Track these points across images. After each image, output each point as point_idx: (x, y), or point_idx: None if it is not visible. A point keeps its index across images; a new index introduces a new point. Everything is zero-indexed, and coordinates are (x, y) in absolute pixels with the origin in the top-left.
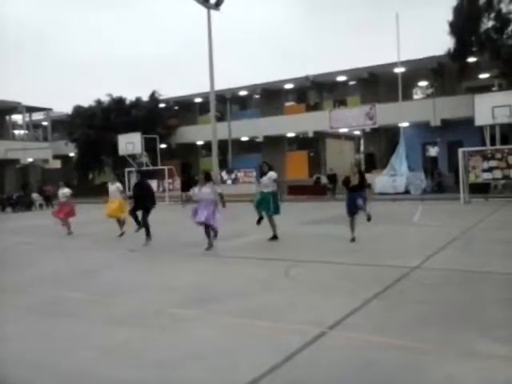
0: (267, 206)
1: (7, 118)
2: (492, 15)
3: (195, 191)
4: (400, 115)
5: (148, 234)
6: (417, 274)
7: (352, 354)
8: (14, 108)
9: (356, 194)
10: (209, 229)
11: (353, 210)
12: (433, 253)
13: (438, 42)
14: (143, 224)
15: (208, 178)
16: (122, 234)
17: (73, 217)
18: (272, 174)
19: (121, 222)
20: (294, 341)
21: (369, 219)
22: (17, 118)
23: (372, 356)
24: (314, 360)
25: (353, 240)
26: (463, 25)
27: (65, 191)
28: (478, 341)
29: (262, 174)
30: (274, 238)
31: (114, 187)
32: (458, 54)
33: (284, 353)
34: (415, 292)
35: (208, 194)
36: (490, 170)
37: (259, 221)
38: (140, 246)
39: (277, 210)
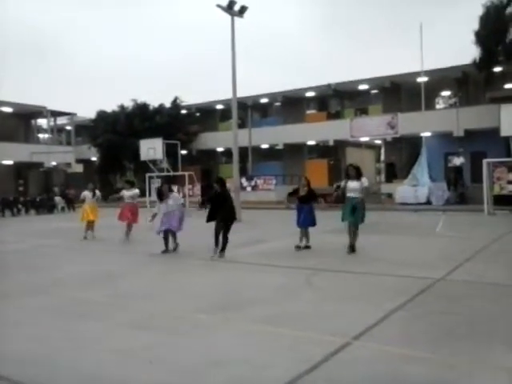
0: (359, 214)
1: (32, 122)
2: None
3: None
4: (422, 125)
5: (224, 248)
6: (441, 286)
7: (378, 368)
8: (39, 112)
9: (304, 205)
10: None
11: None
12: (458, 264)
13: (461, 51)
14: (224, 240)
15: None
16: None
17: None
18: (364, 181)
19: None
20: (318, 351)
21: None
22: (42, 122)
23: (399, 370)
24: (339, 372)
25: (298, 248)
26: (489, 34)
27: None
28: (506, 356)
29: (347, 177)
30: (353, 248)
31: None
32: (483, 63)
33: (307, 363)
34: (440, 304)
35: (172, 206)
36: None
37: (352, 249)
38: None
39: (364, 218)
